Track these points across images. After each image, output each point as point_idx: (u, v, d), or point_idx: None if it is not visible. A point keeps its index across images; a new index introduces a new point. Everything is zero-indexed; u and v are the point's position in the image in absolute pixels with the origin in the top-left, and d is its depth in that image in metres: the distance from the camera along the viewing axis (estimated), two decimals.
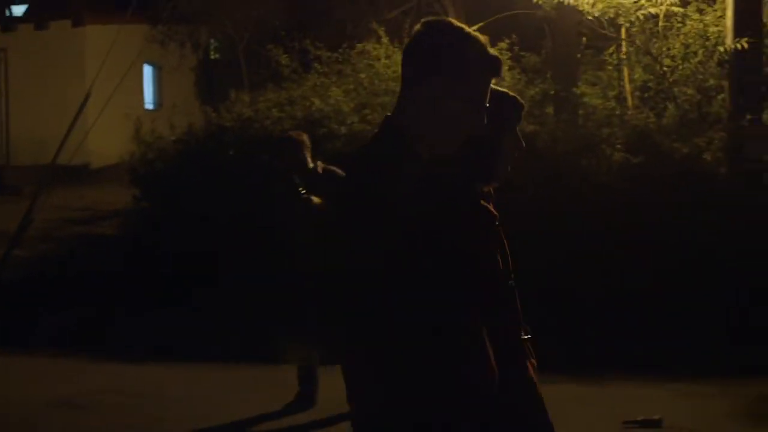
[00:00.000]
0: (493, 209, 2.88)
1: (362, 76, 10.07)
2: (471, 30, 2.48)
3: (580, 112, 9.74)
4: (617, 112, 9.36)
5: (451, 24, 2.49)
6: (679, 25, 9.57)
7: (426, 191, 2.33)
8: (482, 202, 2.82)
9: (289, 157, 6.82)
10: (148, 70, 20.67)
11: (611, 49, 10.24)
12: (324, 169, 6.78)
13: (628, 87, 10.09)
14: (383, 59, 10.08)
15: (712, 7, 9.72)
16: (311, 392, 6.77)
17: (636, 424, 6.25)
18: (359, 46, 10.61)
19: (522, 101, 3.02)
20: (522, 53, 10.07)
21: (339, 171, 6.67)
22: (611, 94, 9.91)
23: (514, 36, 9.92)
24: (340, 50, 10.56)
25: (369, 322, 2.27)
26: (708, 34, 9.42)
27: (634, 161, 8.59)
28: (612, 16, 9.11)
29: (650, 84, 9.85)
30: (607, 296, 8.28)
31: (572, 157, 8.60)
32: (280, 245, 6.84)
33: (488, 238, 2.76)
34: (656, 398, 7.11)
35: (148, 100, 20.62)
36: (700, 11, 9.72)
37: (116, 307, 8.97)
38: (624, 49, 9.87)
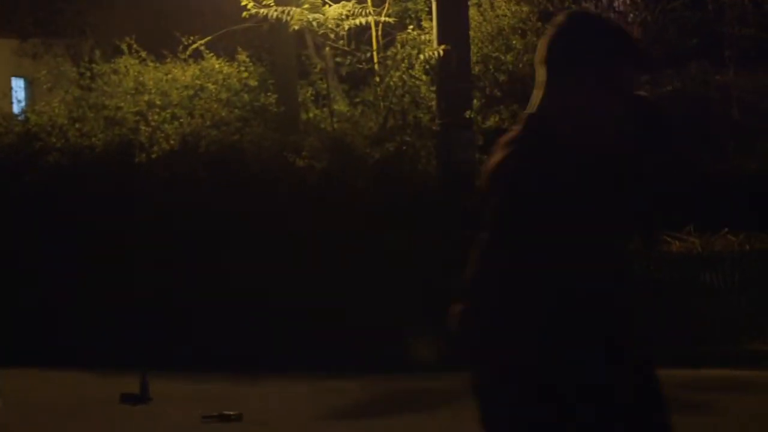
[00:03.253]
0: None
1: (107, 89, 10.41)
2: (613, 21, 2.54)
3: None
4: (312, 121, 9.75)
5: (595, 15, 2.55)
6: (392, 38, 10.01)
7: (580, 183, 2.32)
8: None
9: None
10: (19, 85, 21.03)
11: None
12: None
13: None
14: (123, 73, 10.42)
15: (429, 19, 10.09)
16: None
17: (215, 418, 6.62)
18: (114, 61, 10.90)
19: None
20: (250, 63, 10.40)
21: None
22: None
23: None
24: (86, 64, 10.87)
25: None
26: (415, 43, 9.78)
27: (318, 166, 8.97)
28: (315, 28, 9.53)
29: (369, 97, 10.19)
30: None
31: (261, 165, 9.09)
32: None
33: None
34: (292, 394, 7.52)
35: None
36: (419, 22, 10.11)
37: None
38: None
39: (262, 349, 8.37)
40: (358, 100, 10.66)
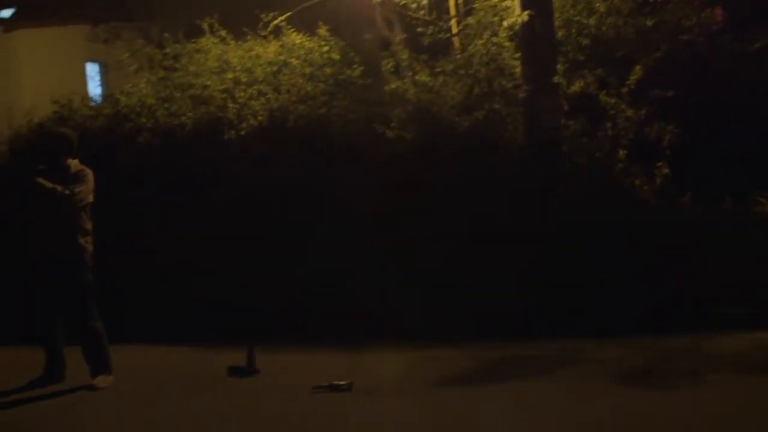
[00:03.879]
0: None
1: (192, 68, 10.52)
2: None
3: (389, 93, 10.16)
4: (400, 90, 9.73)
5: None
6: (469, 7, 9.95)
7: None
8: None
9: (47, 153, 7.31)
10: (93, 69, 21.33)
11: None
12: (77, 169, 7.25)
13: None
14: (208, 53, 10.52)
15: None
16: (58, 370, 7.33)
17: (325, 389, 6.69)
18: (196, 41, 11.00)
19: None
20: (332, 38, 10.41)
21: (87, 171, 7.22)
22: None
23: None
24: (170, 47, 10.97)
25: None
26: (499, 10, 9.72)
27: (408, 137, 8.97)
28: None
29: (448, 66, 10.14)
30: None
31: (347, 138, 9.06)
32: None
33: None
34: (395, 362, 7.58)
35: (95, 99, 21.20)
36: None
37: None
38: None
39: (360, 320, 8.43)
40: (438, 69, 10.64)
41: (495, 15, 9.68)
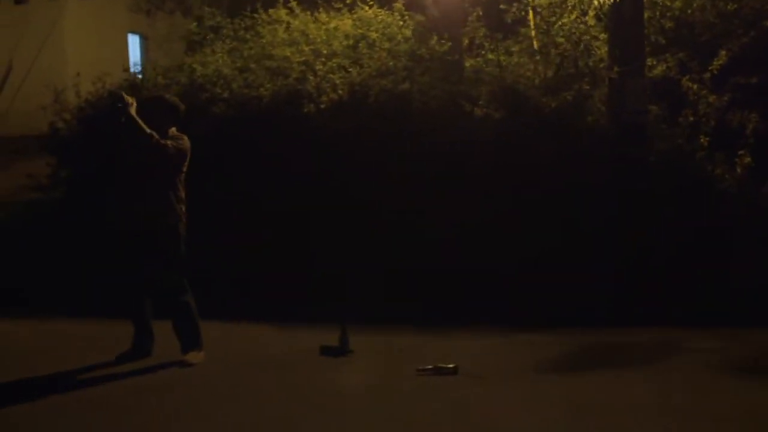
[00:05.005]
0: None
1: (263, 41, 10.31)
2: None
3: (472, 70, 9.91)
4: (496, 69, 9.48)
5: None
6: None
7: None
8: None
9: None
10: (134, 40, 21.13)
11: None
12: (173, 135, 7.00)
13: (536, 44, 10.19)
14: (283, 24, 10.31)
15: None
16: (146, 344, 7.11)
17: (430, 371, 6.48)
18: (270, 12, 10.79)
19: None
20: (407, 13, 10.19)
21: (183, 137, 6.97)
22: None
23: None
24: (240, 17, 10.76)
25: None
26: None
27: (496, 116, 8.73)
28: None
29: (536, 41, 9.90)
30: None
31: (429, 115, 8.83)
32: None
33: None
34: (491, 347, 7.37)
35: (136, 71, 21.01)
36: None
37: None
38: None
39: (445, 303, 8.23)
40: (514, 49, 10.39)
41: None
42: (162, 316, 7.03)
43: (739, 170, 9.05)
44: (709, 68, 9.44)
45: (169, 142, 6.81)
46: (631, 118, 9.24)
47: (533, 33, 10.18)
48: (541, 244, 8.42)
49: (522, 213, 8.65)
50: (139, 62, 21.08)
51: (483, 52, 10.38)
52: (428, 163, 8.85)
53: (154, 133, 6.73)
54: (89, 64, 13.69)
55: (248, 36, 10.46)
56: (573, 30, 9.37)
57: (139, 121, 6.72)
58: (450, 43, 9.58)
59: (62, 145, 10.57)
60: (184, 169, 6.96)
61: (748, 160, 9.09)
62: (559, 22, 9.45)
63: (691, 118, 9.30)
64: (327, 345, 7.13)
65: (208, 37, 10.85)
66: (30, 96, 13.19)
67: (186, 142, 6.95)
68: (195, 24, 11.17)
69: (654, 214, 8.75)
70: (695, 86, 9.43)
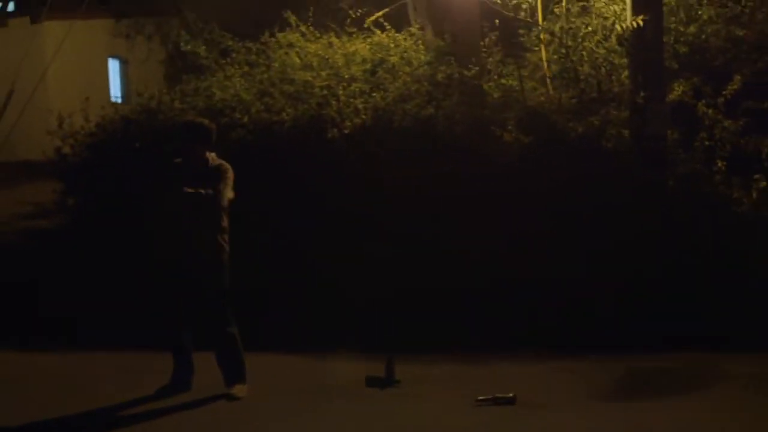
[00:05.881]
0: None
1: (276, 65, 10.18)
2: None
3: (496, 95, 9.86)
4: (514, 94, 9.44)
5: None
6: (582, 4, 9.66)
7: None
8: None
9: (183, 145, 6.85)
10: (114, 64, 20.87)
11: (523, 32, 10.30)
12: (216, 163, 6.83)
13: (546, 68, 10.16)
14: (296, 49, 10.20)
15: None
16: (186, 377, 6.92)
17: (489, 402, 6.38)
18: (280, 36, 10.67)
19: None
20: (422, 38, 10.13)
21: (227, 166, 6.80)
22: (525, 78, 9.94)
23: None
24: (252, 41, 10.63)
25: None
26: (607, 14, 9.48)
27: (525, 141, 8.69)
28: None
29: (554, 66, 9.88)
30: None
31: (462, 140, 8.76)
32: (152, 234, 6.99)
33: None
34: (534, 374, 7.28)
35: (115, 94, 20.81)
36: None
37: None
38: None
39: (474, 325, 8.12)
40: (525, 73, 10.34)
41: (606, 18, 9.42)
42: (201, 348, 6.85)
43: (754, 194, 9.10)
44: (723, 93, 9.48)
45: (220, 187, 6.63)
46: (652, 142, 9.25)
47: (544, 57, 10.16)
48: (564, 266, 8.37)
49: (547, 236, 8.59)
50: (119, 86, 20.97)
51: (495, 77, 10.33)
52: (453, 186, 8.77)
53: (201, 190, 6.56)
54: (71, 87, 13.41)
55: (260, 60, 10.32)
56: (595, 55, 9.36)
57: (189, 192, 6.55)
58: (477, 68, 9.51)
59: (69, 171, 10.34)
60: (231, 196, 6.80)
61: (763, 184, 9.15)
62: (580, 47, 9.43)
63: (707, 143, 9.33)
64: (373, 376, 6.99)
65: (218, 62, 10.67)
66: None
67: (231, 173, 6.80)
68: (203, 48, 10.98)
69: (674, 236, 8.76)
70: (711, 111, 9.47)
